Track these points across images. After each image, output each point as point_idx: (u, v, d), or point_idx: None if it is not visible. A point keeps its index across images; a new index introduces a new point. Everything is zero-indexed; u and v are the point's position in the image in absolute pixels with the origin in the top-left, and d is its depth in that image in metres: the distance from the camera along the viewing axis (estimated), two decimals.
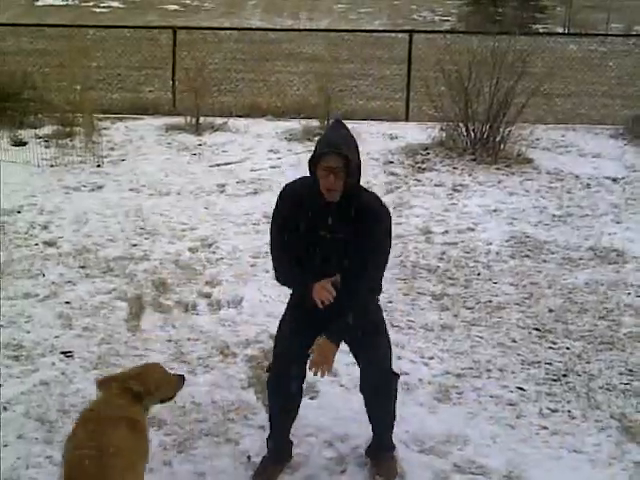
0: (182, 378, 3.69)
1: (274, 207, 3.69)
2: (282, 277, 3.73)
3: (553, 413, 4.39)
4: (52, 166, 8.95)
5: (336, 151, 3.38)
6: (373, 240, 3.51)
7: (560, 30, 25.35)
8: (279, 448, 3.86)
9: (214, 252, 6.61)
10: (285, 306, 3.86)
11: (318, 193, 3.49)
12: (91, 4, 28.55)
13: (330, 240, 3.52)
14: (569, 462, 3.95)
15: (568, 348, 5.14)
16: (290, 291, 3.81)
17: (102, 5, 28.65)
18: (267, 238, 6.91)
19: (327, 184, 3.43)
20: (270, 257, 3.80)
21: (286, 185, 3.71)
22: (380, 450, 3.87)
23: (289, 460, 3.88)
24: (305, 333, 3.59)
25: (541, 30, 23.99)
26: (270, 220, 3.77)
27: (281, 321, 3.84)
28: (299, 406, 3.82)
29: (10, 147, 9.50)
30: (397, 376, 3.76)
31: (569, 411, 4.41)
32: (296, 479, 3.79)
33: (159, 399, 3.54)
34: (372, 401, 3.74)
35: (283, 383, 3.68)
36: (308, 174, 3.56)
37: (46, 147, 9.61)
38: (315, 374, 3.52)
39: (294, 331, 3.71)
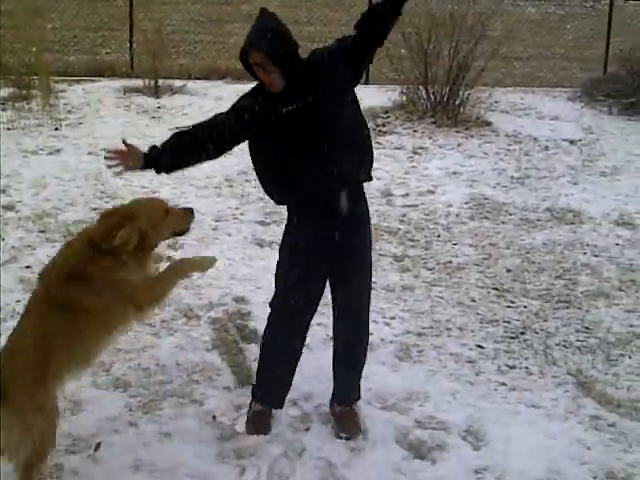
0: (190, 210, 3.70)
1: (232, 106, 3.55)
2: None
3: (511, 370, 4.50)
4: (9, 129, 8.79)
5: (253, 47, 3.30)
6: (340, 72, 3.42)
7: None
8: (277, 392, 3.86)
9: None
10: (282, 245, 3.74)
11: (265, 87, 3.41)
12: None
13: (296, 111, 3.35)
14: (527, 417, 4.06)
15: (526, 307, 5.26)
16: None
17: None
18: (229, 202, 6.98)
19: (261, 79, 3.37)
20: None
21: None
22: (345, 401, 3.90)
23: (282, 406, 3.90)
24: (314, 262, 3.55)
25: None
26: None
27: (280, 249, 3.73)
28: (304, 343, 3.82)
29: None
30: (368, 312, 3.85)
31: (527, 367, 4.53)
32: (260, 438, 3.84)
33: (168, 234, 3.62)
34: (345, 346, 3.83)
35: (291, 318, 3.65)
36: None
37: (2, 110, 9.43)
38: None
39: (301, 261, 3.59)
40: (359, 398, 3.96)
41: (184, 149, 3.42)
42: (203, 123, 3.47)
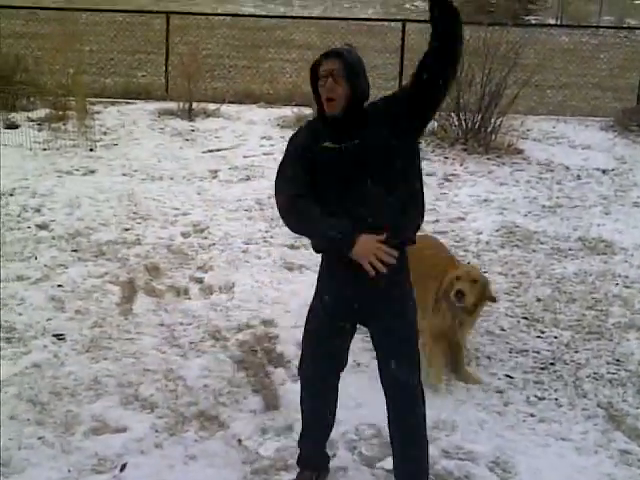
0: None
1: (285, 152, 3.29)
2: (305, 225, 3.15)
3: (540, 401, 4.45)
4: (45, 150, 8.94)
5: (333, 54, 3.14)
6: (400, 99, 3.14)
7: (552, 21, 25.35)
8: (317, 456, 3.66)
9: (206, 237, 6.63)
10: (313, 294, 3.45)
11: (320, 115, 3.19)
12: None
13: (334, 151, 3.12)
14: (556, 449, 3.99)
15: (556, 337, 5.20)
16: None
17: None
18: (259, 225, 7.02)
19: (326, 92, 3.11)
20: (282, 212, 3.22)
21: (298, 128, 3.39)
22: None
23: (326, 474, 3.67)
24: (340, 324, 3.32)
25: (533, 21, 24.00)
26: (277, 181, 3.27)
27: (309, 311, 3.43)
28: (335, 412, 3.59)
29: (3, 130, 9.47)
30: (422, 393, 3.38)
31: (556, 399, 4.47)
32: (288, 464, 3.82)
33: None
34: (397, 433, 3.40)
35: (318, 386, 3.44)
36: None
37: (39, 130, 9.60)
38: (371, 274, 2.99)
39: (327, 323, 3.34)
40: None
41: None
42: (302, 198, 3.13)
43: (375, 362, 4.68)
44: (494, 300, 4.66)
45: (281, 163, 3.28)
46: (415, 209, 3.23)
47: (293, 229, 3.26)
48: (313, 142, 3.18)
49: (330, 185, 3.14)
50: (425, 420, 3.39)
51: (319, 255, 3.37)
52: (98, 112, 10.56)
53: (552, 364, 4.85)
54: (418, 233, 3.34)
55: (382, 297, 3.22)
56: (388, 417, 3.40)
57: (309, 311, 3.43)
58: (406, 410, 3.35)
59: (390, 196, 3.10)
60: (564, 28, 19.83)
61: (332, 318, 3.32)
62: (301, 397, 3.58)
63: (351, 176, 3.11)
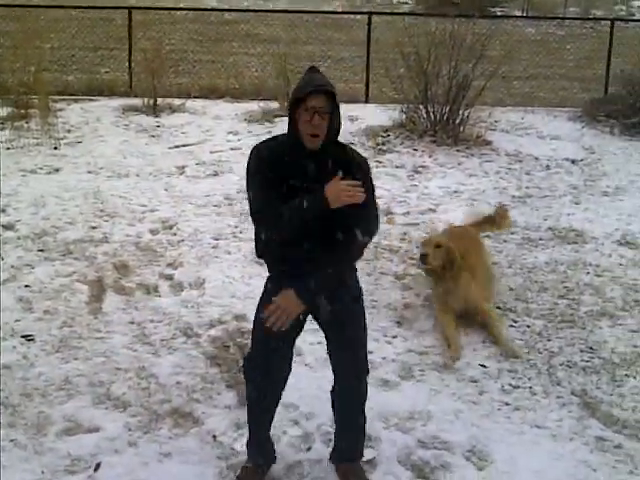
0: None
1: (248, 169, 3.29)
2: (286, 225, 3.22)
3: (515, 389, 4.46)
4: (8, 149, 8.79)
5: (323, 89, 3.14)
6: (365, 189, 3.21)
7: (518, 13, 25.52)
8: (262, 449, 3.66)
9: (175, 234, 6.56)
10: (262, 288, 3.55)
11: (295, 143, 3.22)
12: None
13: (299, 189, 3.21)
14: (531, 437, 4.01)
15: (529, 326, 5.21)
16: (266, 273, 3.54)
17: None
18: (228, 220, 6.95)
19: (310, 127, 3.15)
20: (259, 224, 3.32)
21: (256, 145, 3.35)
22: (347, 460, 3.68)
23: (274, 462, 3.69)
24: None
25: (499, 13, 24.13)
26: (247, 185, 3.31)
27: (259, 304, 3.50)
28: (279, 400, 3.60)
29: None
30: (367, 372, 3.59)
31: (530, 387, 4.48)
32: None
33: None
34: (344, 407, 3.60)
35: (265, 371, 3.44)
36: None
37: (1, 130, 9.44)
38: (266, 324, 3.20)
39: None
40: (362, 457, 3.72)
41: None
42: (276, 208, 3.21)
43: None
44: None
45: (250, 191, 3.28)
46: (366, 231, 3.33)
47: (285, 236, 3.29)
48: (279, 173, 3.21)
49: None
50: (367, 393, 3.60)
51: None
52: (61, 110, 10.39)
53: (526, 353, 4.86)
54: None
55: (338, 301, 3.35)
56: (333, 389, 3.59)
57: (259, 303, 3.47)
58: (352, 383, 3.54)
59: (335, 233, 3.25)
60: (530, 19, 20.00)
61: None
62: (247, 389, 3.56)
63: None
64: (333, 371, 3.55)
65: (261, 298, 3.48)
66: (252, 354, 3.50)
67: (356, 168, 3.26)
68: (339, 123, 3.26)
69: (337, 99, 3.19)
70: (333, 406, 3.63)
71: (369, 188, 3.27)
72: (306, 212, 3.17)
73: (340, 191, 3.12)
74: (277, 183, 3.22)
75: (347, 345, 3.49)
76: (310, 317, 3.46)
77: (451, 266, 5.06)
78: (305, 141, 3.20)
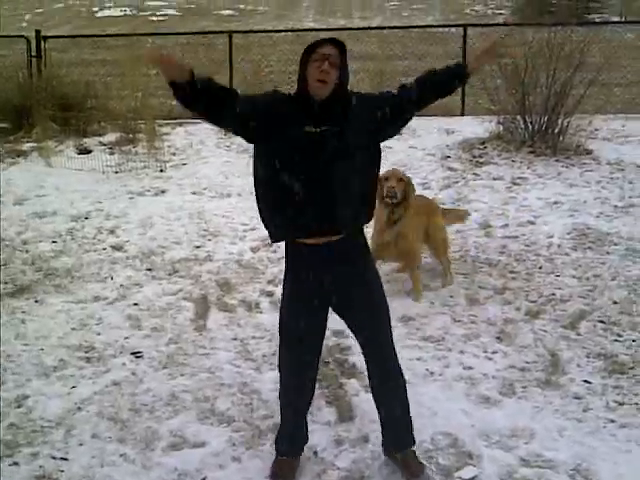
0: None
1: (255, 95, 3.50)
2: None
3: (620, 406, 4.34)
4: (117, 172, 9.19)
5: (332, 40, 3.31)
6: (378, 109, 3.36)
7: (616, 19, 24.79)
8: (295, 438, 3.81)
9: (275, 251, 6.70)
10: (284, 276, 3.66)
11: (303, 93, 3.32)
12: (148, 13, 29.13)
13: (316, 135, 3.28)
14: (638, 455, 3.88)
15: (634, 340, 5.06)
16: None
17: (159, 14, 29.18)
18: None
19: (320, 73, 3.25)
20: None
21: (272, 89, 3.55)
22: (397, 447, 3.77)
23: (301, 452, 3.84)
24: (312, 306, 3.50)
25: (597, 20, 23.50)
26: None
27: (283, 293, 3.65)
28: (314, 388, 3.78)
29: (76, 155, 9.80)
30: (396, 358, 3.68)
31: (637, 404, 4.35)
32: (364, 475, 3.83)
33: None
34: (382, 396, 3.70)
35: (297, 368, 3.61)
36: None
37: (110, 154, 9.87)
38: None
39: (299, 306, 3.55)
40: (414, 442, 3.79)
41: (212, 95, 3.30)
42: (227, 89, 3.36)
43: (448, 370, 4.72)
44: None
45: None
46: (367, 206, 3.51)
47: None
48: (291, 122, 3.30)
49: (295, 164, 3.29)
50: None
51: None
52: (167, 133, 10.79)
53: (631, 368, 4.72)
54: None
55: (349, 269, 3.46)
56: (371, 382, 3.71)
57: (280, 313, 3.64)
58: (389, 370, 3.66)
59: (350, 187, 3.32)
60: (629, 25, 19.35)
61: (304, 299, 3.50)
62: (280, 387, 3.74)
63: (322, 160, 3.27)
64: (365, 360, 3.68)
65: (284, 295, 3.63)
66: (281, 350, 3.65)
67: (363, 102, 3.37)
68: (347, 77, 3.36)
69: (346, 53, 3.32)
70: (374, 398, 3.73)
71: (386, 95, 3.45)
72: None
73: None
74: (290, 130, 3.28)
75: (367, 327, 3.60)
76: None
77: (406, 199, 5.53)
78: (313, 90, 3.29)
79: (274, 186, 3.38)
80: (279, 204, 3.40)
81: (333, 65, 3.26)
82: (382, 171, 5.24)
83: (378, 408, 3.74)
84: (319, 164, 3.28)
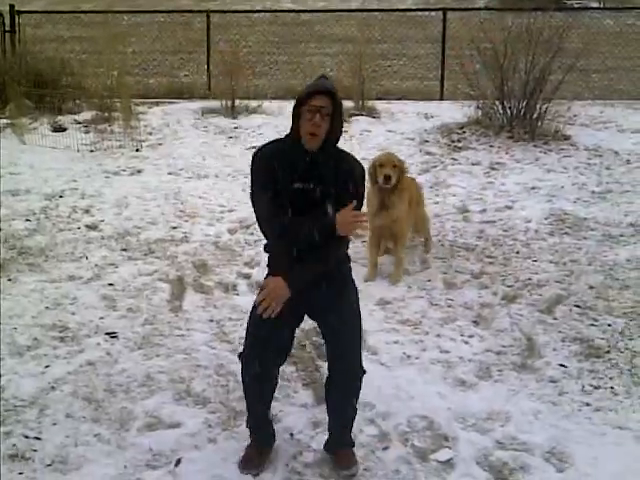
0: None
1: (252, 173, 3.45)
2: (291, 240, 3.37)
3: (596, 390, 4.37)
4: (92, 151, 9.07)
5: (326, 91, 3.26)
6: (349, 195, 3.36)
7: (595, 5, 24.83)
8: (261, 431, 3.77)
9: (252, 233, 6.65)
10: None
11: (295, 145, 3.34)
12: None
13: (304, 191, 3.35)
14: (613, 438, 3.92)
15: (610, 325, 5.10)
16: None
17: None
18: None
19: (311, 126, 3.27)
20: (263, 229, 3.47)
21: (258, 148, 3.48)
22: (339, 446, 3.74)
23: (273, 443, 3.80)
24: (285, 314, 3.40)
25: (576, 5, 23.52)
26: (252, 189, 3.48)
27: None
28: (275, 387, 3.73)
29: (50, 133, 9.67)
30: (364, 372, 3.61)
31: (612, 388, 4.38)
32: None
33: None
34: (336, 399, 3.65)
35: (259, 367, 3.52)
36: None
37: (85, 132, 9.75)
38: (258, 311, 3.35)
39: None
40: (353, 444, 3.78)
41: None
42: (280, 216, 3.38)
43: (425, 354, 4.72)
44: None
45: (255, 192, 3.44)
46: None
47: (277, 239, 3.44)
48: (284, 176, 3.33)
49: (288, 208, 3.36)
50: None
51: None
52: (143, 113, 10.66)
53: (607, 352, 4.76)
54: None
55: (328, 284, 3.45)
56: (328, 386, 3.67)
57: (251, 310, 3.56)
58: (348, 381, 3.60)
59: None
60: (608, 11, 19.42)
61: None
62: (243, 379, 3.66)
63: (307, 207, 3.35)
64: (328, 366, 3.62)
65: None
66: (246, 350, 3.60)
67: (348, 175, 3.38)
68: (341, 127, 3.37)
69: (339, 103, 3.30)
70: (326, 396, 3.71)
71: (357, 195, 3.41)
72: (313, 237, 3.32)
73: (349, 222, 3.29)
74: (280, 185, 3.34)
75: (342, 341, 3.53)
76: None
77: (399, 181, 5.63)
78: (305, 141, 3.31)
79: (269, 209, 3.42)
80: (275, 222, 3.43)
81: (324, 118, 3.27)
82: (375, 154, 5.26)
83: (329, 413, 3.71)
84: (302, 207, 3.35)
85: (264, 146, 3.48)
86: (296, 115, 3.32)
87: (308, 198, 3.35)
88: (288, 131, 3.41)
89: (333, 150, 3.40)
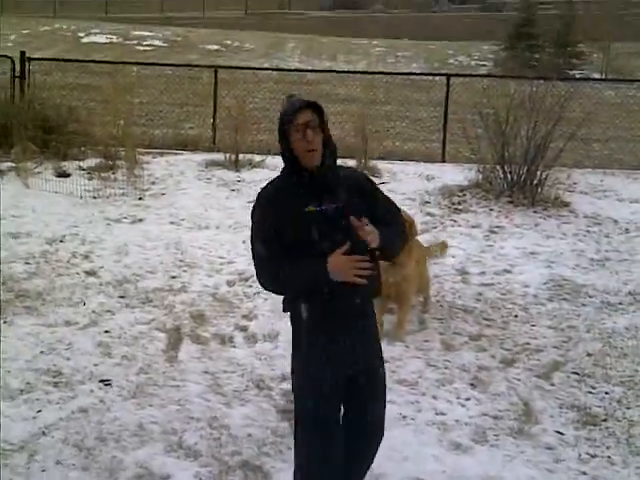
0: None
1: (252, 218, 3.29)
2: (289, 283, 3.18)
3: (592, 458, 4.32)
4: (94, 198, 9.11)
5: (307, 104, 3.14)
6: (378, 201, 3.27)
7: (597, 76, 25.29)
8: None
9: (251, 286, 6.64)
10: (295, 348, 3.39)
11: (295, 170, 3.19)
12: (134, 42, 29.20)
13: (319, 213, 3.15)
14: None
15: (607, 393, 5.07)
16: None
17: (145, 43, 29.27)
18: None
19: (306, 144, 3.11)
20: (258, 276, 3.27)
21: (259, 192, 3.34)
22: None
23: None
24: (333, 371, 3.23)
25: (578, 76, 23.95)
26: (251, 236, 3.30)
27: (295, 366, 3.36)
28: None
29: (54, 178, 9.70)
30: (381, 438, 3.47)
31: (609, 457, 4.34)
32: None
33: None
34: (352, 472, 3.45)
35: (325, 447, 3.22)
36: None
37: (89, 179, 9.80)
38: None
39: (320, 374, 3.23)
40: None
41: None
42: (278, 264, 3.18)
43: (421, 415, 4.68)
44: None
45: (253, 242, 3.27)
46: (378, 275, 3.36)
47: (277, 292, 3.36)
48: (289, 206, 3.16)
49: (312, 245, 3.13)
50: None
51: None
52: (147, 162, 10.74)
53: (604, 420, 4.72)
54: None
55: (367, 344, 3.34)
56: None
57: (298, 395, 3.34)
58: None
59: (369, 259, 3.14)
60: (610, 82, 19.78)
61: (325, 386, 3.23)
62: None
63: (333, 237, 3.11)
64: (345, 431, 3.34)
65: (297, 361, 3.35)
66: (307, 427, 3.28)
67: (362, 186, 3.28)
68: (332, 141, 3.22)
69: (323, 112, 3.17)
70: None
71: (384, 199, 3.33)
72: (306, 283, 3.15)
73: (345, 267, 3.06)
74: (292, 215, 3.15)
75: (368, 411, 3.38)
76: None
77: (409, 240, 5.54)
78: (304, 161, 3.15)
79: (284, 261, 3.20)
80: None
81: (315, 131, 3.13)
82: None
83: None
84: (327, 240, 3.12)
85: (263, 188, 3.34)
86: (285, 137, 3.17)
87: (324, 218, 3.15)
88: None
89: (334, 166, 3.25)
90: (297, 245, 3.15)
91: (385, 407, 3.47)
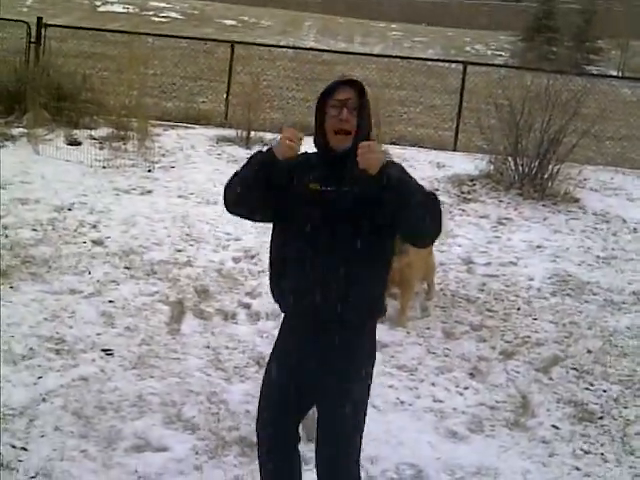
0: None
1: None
2: (240, 175, 3.01)
3: (586, 455, 4.34)
4: (104, 167, 9.12)
5: (350, 82, 2.93)
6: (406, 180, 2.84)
7: (614, 73, 25.15)
8: None
9: (256, 264, 6.67)
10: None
11: (321, 147, 2.97)
12: (151, 13, 29.12)
13: (321, 194, 2.92)
14: None
15: (605, 391, 5.08)
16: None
17: (161, 15, 29.19)
18: None
19: (338, 122, 2.90)
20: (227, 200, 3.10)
21: None
22: None
23: None
24: (298, 376, 3.11)
25: (595, 72, 23.84)
26: None
27: (268, 364, 3.26)
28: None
29: (65, 146, 9.71)
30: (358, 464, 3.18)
31: (602, 454, 4.36)
32: None
33: None
34: None
35: (275, 447, 3.17)
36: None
37: (100, 149, 9.80)
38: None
39: (283, 374, 3.15)
40: None
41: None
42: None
43: (419, 401, 4.70)
44: None
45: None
46: (379, 297, 3.08)
47: (235, 203, 3.06)
48: (300, 176, 2.99)
49: (302, 223, 2.95)
50: None
51: None
52: (158, 134, 10.73)
53: (600, 418, 4.74)
54: None
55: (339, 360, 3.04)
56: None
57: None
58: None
59: (361, 269, 2.93)
60: (626, 80, 19.68)
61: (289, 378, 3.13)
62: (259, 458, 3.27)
63: (321, 221, 2.92)
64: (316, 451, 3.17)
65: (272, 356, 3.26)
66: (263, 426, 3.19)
67: (389, 169, 2.81)
68: (370, 123, 2.98)
69: (366, 95, 2.94)
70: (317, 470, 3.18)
71: (410, 180, 2.84)
72: (252, 165, 2.95)
73: (282, 138, 2.85)
74: (295, 186, 2.96)
75: (339, 422, 3.11)
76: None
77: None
78: (332, 142, 2.94)
79: (279, 253, 3.09)
80: (281, 271, 3.08)
81: (351, 112, 2.90)
82: None
83: None
84: (319, 222, 2.92)
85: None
86: (320, 112, 2.96)
87: (325, 201, 2.91)
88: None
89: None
90: (282, 214, 3.02)
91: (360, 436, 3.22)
